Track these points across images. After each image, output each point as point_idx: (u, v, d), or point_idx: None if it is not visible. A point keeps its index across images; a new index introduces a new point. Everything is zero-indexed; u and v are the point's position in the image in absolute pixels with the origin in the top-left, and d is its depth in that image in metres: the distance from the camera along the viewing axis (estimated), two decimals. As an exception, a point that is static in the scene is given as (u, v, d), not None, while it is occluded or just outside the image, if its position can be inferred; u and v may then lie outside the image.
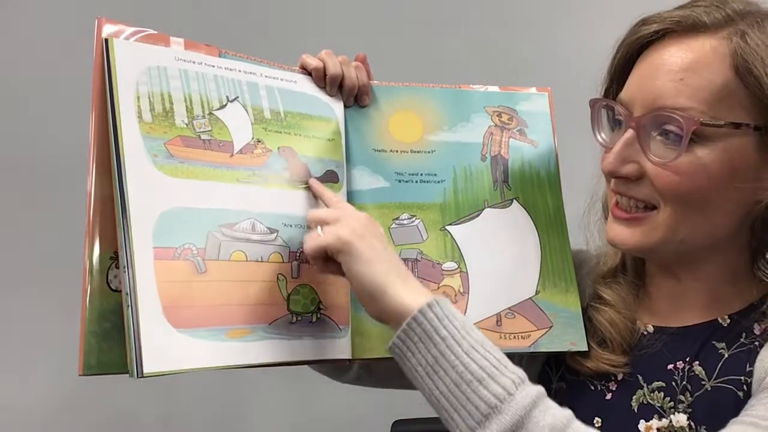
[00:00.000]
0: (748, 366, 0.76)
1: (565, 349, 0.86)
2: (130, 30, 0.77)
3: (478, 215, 0.90)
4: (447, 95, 0.93)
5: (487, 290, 0.88)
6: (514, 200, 0.91)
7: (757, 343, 0.78)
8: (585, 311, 0.88)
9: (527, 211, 0.91)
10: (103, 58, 0.74)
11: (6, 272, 1.43)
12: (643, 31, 0.79)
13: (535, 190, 0.92)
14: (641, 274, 0.88)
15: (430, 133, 0.91)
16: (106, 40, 0.74)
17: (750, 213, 0.78)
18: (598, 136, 0.83)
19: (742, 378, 0.76)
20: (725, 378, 0.77)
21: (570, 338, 0.86)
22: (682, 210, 0.77)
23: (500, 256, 0.89)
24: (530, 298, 0.88)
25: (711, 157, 0.74)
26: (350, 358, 0.82)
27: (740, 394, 0.76)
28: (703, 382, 0.78)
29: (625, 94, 0.79)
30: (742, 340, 0.79)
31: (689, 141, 0.74)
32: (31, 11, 1.48)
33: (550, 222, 0.91)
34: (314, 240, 0.74)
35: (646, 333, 0.84)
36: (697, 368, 0.79)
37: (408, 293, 0.71)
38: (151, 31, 0.78)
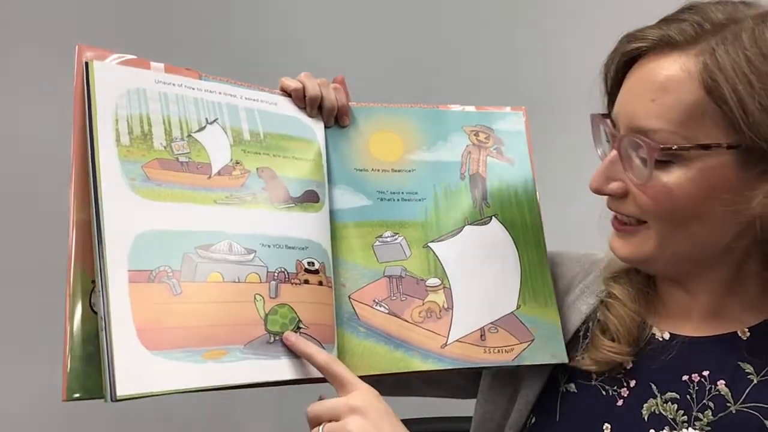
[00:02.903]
0: None
1: (547, 362, 0.87)
2: (110, 56, 0.78)
3: (459, 232, 0.91)
4: (425, 115, 0.94)
5: (471, 305, 0.88)
6: (493, 217, 0.93)
7: None
8: (595, 310, 0.88)
9: (506, 228, 0.92)
10: (83, 81, 0.75)
11: (7, 272, 1.44)
12: (623, 49, 0.79)
13: (513, 207, 0.93)
14: (651, 277, 0.89)
15: (409, 152, 0.92)
16: (87, 63, 0.75)
17: (749, 226, 0.76)
18: (597, 150, 0.84)
19: None
20: (752, 404, 0.77)
21: (551, 351, 0.88)
22: (667, 227, 0.77)
23: (482, 271, 0.90)
24: (512, 312, 0.89)
25: (686, 177, 0.74)
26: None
27: (767, 422, 0.75)
28: (728, 405, 0.78)
29: (614, 111, 0.80)
30: None
31: (665, 162, 0.74)
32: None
33: (528, 238, 0.93)
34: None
35: (661, 339, 0.84)
36: (723, 388, 0.78)
37: None
38: (132, 56, 0.79)
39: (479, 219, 0.92)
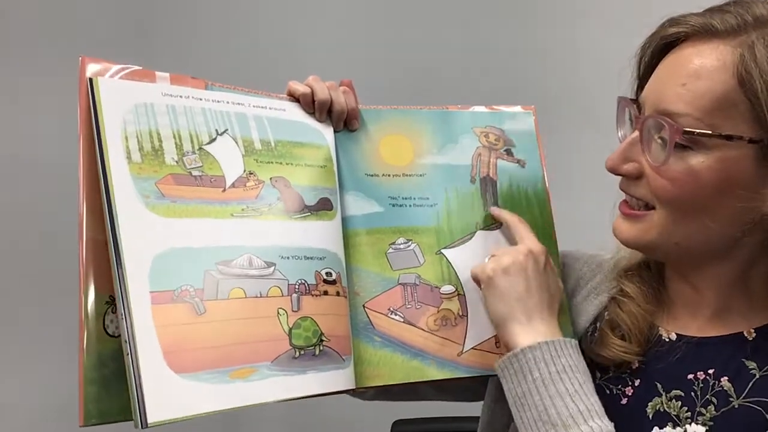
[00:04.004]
0: None
1: None
2: (114, 68, 0.75)
3: (471, 237, 0.90)
4: (434, 117, 0.93)
5: (486, 312, 0.86)
6: None
7: None
8: (606, 307, 0.88)
9: None
10: (88, 98, 0.72)
11: (8, 274, 1.40)
12: (663, 33, 0.79)
13: (524, 210, 0.92)
14: (663, 275, 0.88)
15: (420, 156, 0.91)
16: (91, 80, 0.73)
17: (758, 224, 0.76)
18: (619, 133, 0.84)
19: None
20: (755, 399, 0.77)
21: None
22: (676, 214, 0.77)
23: None
24: None
25: (704, 166, 0.74)
26: (354, 387, 0.81)
27: None
28: (731, 399, 0.78)
29: (642, 94, 0.79)
30: None
31: (684, 147, 0.74)
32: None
33: (540, 241, 0.90)
34: (473, 267, 0.85)
35: (668, 340, 0.84)
36: (726, 384, 0.79)
37: (523, 332, 0.80)
38: (136, 67, 0.77)
39: (491, 223, 0.91)
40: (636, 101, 0.81)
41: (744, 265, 0.81)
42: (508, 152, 0.94)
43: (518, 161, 0.94)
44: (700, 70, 0.73)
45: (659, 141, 0.76)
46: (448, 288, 0.87)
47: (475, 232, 0.90)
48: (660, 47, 0.79)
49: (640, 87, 0.82)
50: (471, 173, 0.92)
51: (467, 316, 0.87)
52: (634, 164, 0.78)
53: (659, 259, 0.86)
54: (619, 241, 0.83)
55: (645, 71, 0.82)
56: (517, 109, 0.96)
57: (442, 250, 0.89)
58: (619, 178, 0.82)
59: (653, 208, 0.78)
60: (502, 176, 0.93)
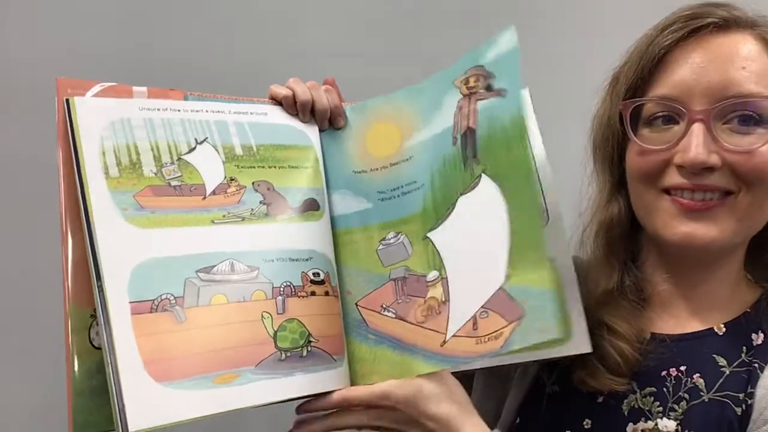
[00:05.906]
0: (749, 387, 0.78)
1: (535, 341, 0.70)
2: (91, 86, 0.77)
3: (452, 209, 0.81)
4: (417, 91, 0.87)
5: (464, 291, 0.78)
6: (482, 174, 0.77)
7: (756, 364, 0.79)
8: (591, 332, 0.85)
9: (494, 181, 0.76)
10: (65, 118, 0.74)
11: (7, 274, 1.43)
12: (687, 27, 0.80)
13: (500, 147, 0.75)
14: (642, 290, 0.87)
15: (407, 138, 0.87)
16: (67, 100, 0.74)
17: None
18: (640, 139, 0.82)
19: (741, 395, 0.78)
20: (724, 393, 0.78)
21: (540, 324, 0.70)
22: (762, 193, 0.78)
23: (473, 248, 0.78)
24: (501, 287, 0.73)
25: None
26: (350, 386, 0.81)
27: (737, 410, 0.77)
28: (702, 394, 0.79)
29: (674, 90, 0.79)
30: (743, 357, 0.80)
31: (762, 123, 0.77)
32: None
33: (516, 182, 0.73)
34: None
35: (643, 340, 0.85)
36: (699, 380, 0.80)
37: None
38: (112, 84, 0.78)
39: (469, 185, 0.78)
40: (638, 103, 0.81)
41: (743, 253, 0.84)
42: (488, 88, 0.79)
43: (498, 92, 0.78)
44: (749, 54, 0.78)
45: (726, 126, 0.77)
46: (432, 274, 0.83)
47: (456, 201, 0.80)
48: (666, 47, 0.81)
49: (640, 87, 0.82)
50: (453, 134, 0.82)
51: (449, 300, 0.80)
52: (716, 154, 0.78)
53: (710, 255, 0.83)
54: (692, 247, 0.80)
55: (648, 72, 0.82)
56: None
57: (428, 235, 0.84)
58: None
59: (728, 194, 0.78)
60: (482, 120, 0.78)
